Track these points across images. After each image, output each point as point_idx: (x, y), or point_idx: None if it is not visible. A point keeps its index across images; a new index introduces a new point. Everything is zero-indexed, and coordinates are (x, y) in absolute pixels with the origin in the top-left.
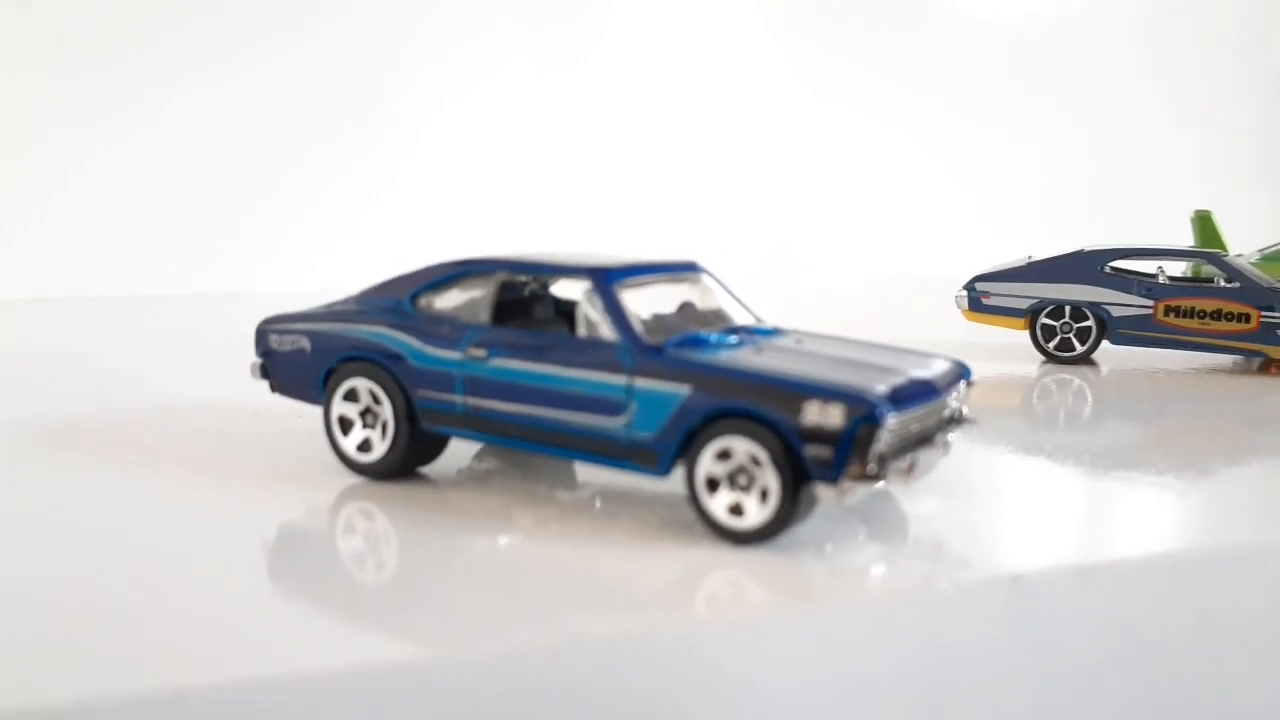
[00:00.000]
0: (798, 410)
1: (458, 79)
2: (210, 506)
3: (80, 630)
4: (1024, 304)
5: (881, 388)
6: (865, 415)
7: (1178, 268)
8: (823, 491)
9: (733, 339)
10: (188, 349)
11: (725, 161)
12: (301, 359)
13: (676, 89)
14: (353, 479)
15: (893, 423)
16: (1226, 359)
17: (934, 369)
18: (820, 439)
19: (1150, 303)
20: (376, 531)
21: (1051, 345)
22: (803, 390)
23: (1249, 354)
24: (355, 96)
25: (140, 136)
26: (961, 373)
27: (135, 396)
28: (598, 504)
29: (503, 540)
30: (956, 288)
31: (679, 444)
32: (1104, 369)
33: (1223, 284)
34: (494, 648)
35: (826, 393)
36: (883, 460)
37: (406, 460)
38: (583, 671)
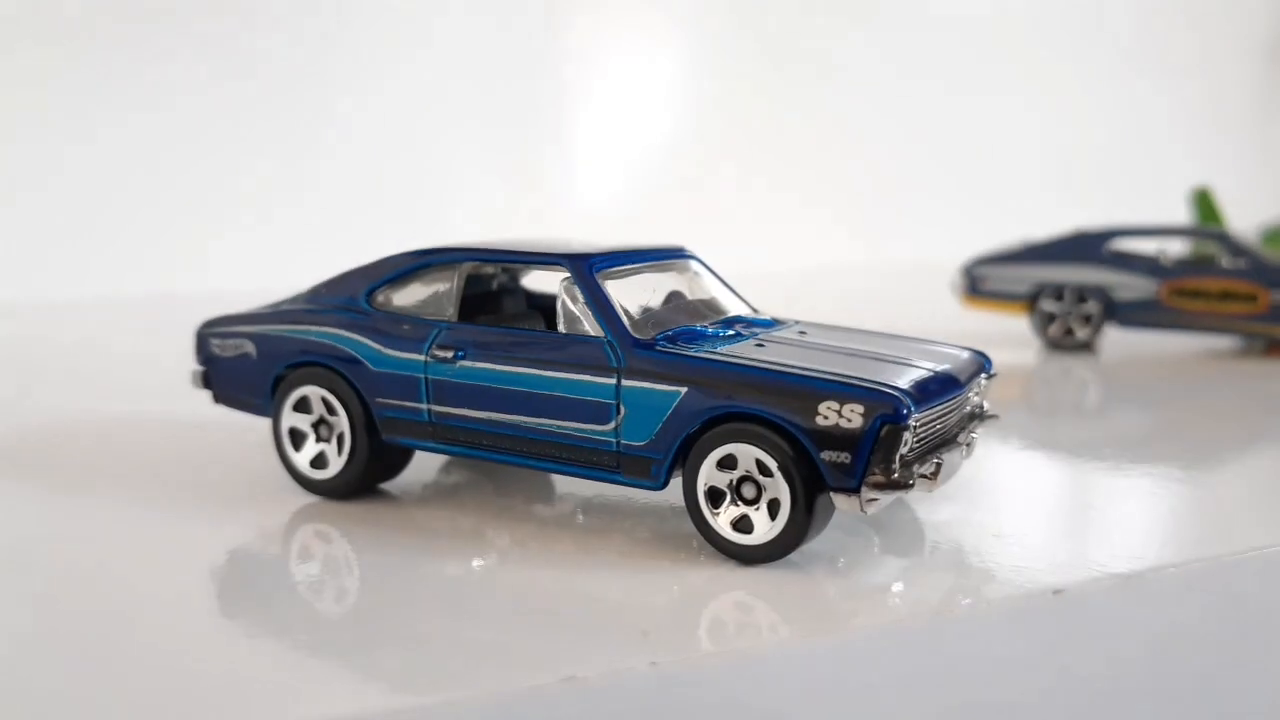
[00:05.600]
0: (812, 410)
1: (411, 57)
2: (149, 532)
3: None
4: (1024, 288)
5: (903, 383)
6: (888, 414)
7: (1177, 247)
8: (841, 502)
9: (730, 331)
10: (118, 357)
11: (702, 146)
12: (246, 365)
13: (649, 70)
14: (307, 498)
15: (917, 422)
16: (1229, 342)
17: (953, 361)
18: (838, 443)
19: (1156, 284)
20: (335, 556)
21: (1052, 331)
22: (817, 388)
23: (1257, 336)
24: (303, 79)
25: (70, 137)
26: (982, 364)
27: (61, 411)
28: (580, 519)
29: (477, 563)
30: (941, 273)
31: (676, 452)
32: (1105, 355)
33: (1226, 264)
34: (473, 691)
35: (844, 390)
36: (907, 464)
37: (366, 476)
38: (578, 715)
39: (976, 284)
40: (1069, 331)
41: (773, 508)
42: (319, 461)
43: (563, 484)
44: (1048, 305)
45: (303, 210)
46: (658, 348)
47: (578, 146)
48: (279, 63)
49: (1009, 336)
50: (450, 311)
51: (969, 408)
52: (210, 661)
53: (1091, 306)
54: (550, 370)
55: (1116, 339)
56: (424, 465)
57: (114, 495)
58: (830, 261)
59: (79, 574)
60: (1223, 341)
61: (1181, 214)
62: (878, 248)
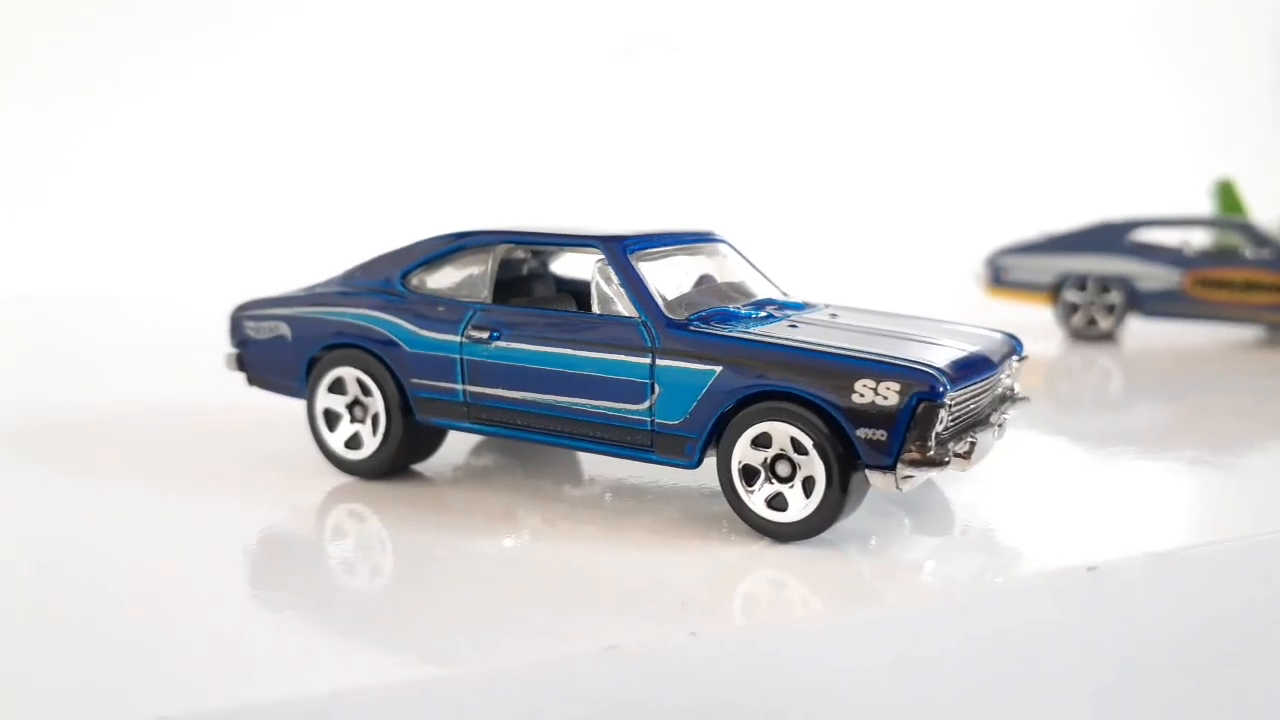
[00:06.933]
0: (848, 388)
1: (435, 43)
2: (185, 512)
3: (46, 655)
4: (1047, 278)
5: (939, 361)
6: (925, 392)
7: (1200, 238)
8: (876, 479)
9: (762, 313)
10: (146, 345)
11: (721, 138)
12: (281, 348)
13: (665, 60)
14: (341, 478)
15: (952, 400)
16: (1253, 332)
17: (986, 342)
18: (874, 420)
19: (1180, 274)
20: (369, 535)
21: (1075, 321)
22: (853, 366)
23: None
24: (331, 78)
25: (115, 125)
26: (1013, 346)
27: (98, 396)
28: (609, 500)
29: (508, 542)
30: (964, 263)
31: (710, 430)
32: (1128, 346)
33: (1249, 254)
34: (509, 661)
35: (880, 368)
36: (942, 443)
37: (400, 456)
38: (614, 685)
39: (1000, 274)
40: (1092, 322)
41: (807, 485)
42: (353, 442)
43: (592, 466)
44: (1071, 295)
45: (325, 198)
46: (691, 328)
47: (602, 134)
48: (297, 47)
49: (1032, 327)
50: (485, 293)
51: (1001, 389)
52: (247, 636)
53: (1115, 297)
54: (585, 350)
55: (1139, 329)
56: (455, 448)
57: (149, 477)
58: (853, 251)
59: (116, 553)
60: (1246, 332)
61: (1204, 206)
62: (901, 238)
